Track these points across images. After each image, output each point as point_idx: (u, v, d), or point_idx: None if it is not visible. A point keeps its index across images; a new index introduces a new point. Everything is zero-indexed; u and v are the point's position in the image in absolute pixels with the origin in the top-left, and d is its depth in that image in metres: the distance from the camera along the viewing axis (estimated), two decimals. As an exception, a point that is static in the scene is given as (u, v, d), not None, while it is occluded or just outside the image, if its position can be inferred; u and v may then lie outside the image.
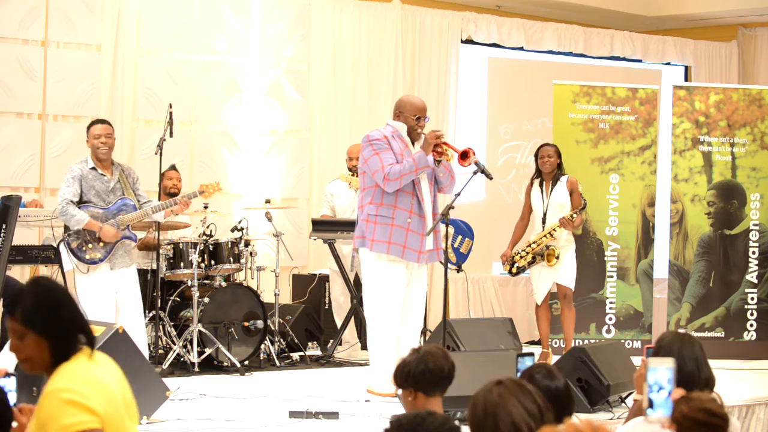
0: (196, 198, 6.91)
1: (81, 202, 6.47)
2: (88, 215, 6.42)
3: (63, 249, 7.32)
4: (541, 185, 8.03)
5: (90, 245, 6.44)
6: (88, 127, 6.59)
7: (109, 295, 6.44)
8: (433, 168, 6.43)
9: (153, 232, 7.32)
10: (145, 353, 6.48)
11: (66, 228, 6.53)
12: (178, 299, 7.69)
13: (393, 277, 6.36)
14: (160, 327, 7.47)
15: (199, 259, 7.49)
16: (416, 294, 6.52)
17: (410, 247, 6.32)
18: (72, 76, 8.59)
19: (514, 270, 8.08)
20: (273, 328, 7.89)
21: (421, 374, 3.47)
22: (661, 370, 2.78)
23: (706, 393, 2.78)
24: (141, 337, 6.52)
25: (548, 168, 7.96)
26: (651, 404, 2.77)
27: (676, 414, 2.68)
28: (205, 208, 7.68)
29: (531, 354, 3.69)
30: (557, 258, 7.86)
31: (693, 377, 3.53)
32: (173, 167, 8.25)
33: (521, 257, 8.00)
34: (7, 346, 5.73)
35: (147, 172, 8.13)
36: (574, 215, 7.83)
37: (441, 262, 6.69)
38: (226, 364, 7.39)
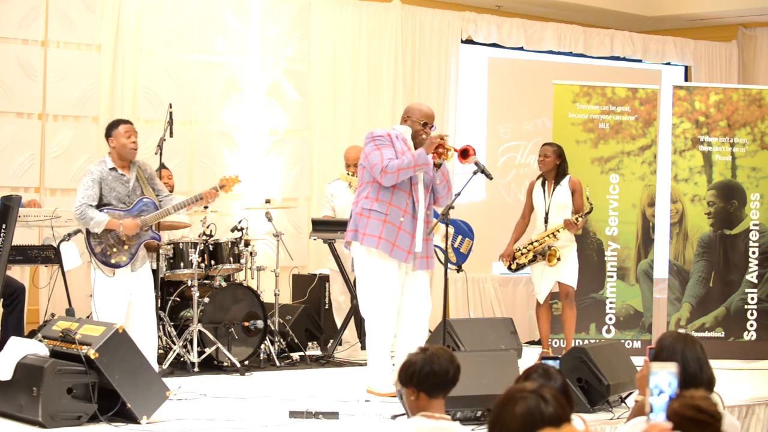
0: (217, 192, 6.71)
1: (101, 205, 6.35)
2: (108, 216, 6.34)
3: (63, 248, 7.34)
4: (543, 185, 8.04)
5: (114, 249, 6.33)
6: (113, 127, 6.44)
7: (124, 297, 6.38)
8: (431, 175, 6.42)
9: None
10: (154, 353, 6.47)
11: (88, 232, 6.39)
12: (178, 299, 7.69)
13: (386, 274, 6.34)
14: (160, 327, 7.47)
15: (199, 259, 7.49)
16: (418, 300, 6.48)
17: (399, 246, 6.31)
18: (72, 76, 8.59)
19: (513, 266, 8.10)
20: (273, 328, 7.89)
21: (425, 376, 3.46)
22: (662, 375, 2.77)
23: (700, 391, 2.77)
24: (152, 337, 6.48)
25: (544, 167, 7.98)
26: (652, 409, 2.76)
27: (668, 411, 2.68)
28: (205, 208, 7.67)
29: (557, 358, 3.66)
30: (558, 259, 7.86)
31: (696, 377, 3.53)
32: (161, 166, 8.17)
33: (522, 254, 8.01)
34: (6, 346, 5.74)
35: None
36: (580, 218, 7.83)
37: (441, 262, 6.68)
38: (226, 364, 7.38)
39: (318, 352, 8.28)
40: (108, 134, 6.47)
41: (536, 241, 7.95)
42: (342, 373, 7.62)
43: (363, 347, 8.44)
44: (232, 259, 7.68)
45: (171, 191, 8.01)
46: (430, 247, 6.50)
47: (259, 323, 7.62)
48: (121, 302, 6.37)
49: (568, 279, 7.98)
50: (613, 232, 9.06)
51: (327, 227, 8.17)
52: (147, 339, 6.32)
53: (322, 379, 7.30)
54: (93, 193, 6.31)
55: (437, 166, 6.40)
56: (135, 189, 6.45)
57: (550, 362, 3.49)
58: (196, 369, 7.23)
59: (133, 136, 6.45)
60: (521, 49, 10.79)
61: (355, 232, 6.40)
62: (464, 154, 6.26)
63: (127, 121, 6.57)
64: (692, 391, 2.72)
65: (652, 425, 2.62)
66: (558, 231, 7.86)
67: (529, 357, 7.88)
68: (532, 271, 8.08)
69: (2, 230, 6.77)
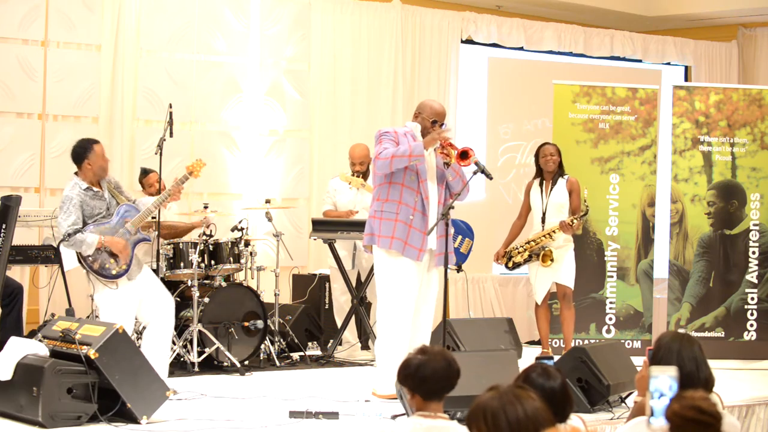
0: (187, 180, 6.73)
1: (84, 225, 6.33)
2: (98, 233, 6.30)
3: (63, 248, 7.34)
4: (541, 185, 8.04)
5: (112, 259, 6.33)
6: (89, 149, 6.35)
7: (131, 307, 6.37)
8: (442, 169, 6.41)
9: (153, 232, 7.32)
10: (167, 349, 6.58)
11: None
12: (178, 299, 7.68)
13: (405, 275, 6.29)
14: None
15: (199, 259, 7.49)
16: (428, 298, 6.47)
17: (411, 244, 6.28)
18: (72, 76, 8.59)
19: (510, 264, 8.11)
20: (273, 328, 7.89)
21: (420, 380, 3.46)
22: (662, 378, 2.77)
23: (700, 392, 2.77)
24: (169, 330, 6.59)
25: (552, 166, 7.98)
26: (653, 412, 2.76)
27: (668, 412, 2.68)
28: (205, 208, 7.68)
29: (551, 357, 3.67)
30: (552, 261, 7.87)
31: (692, 377, 3.53)
32: (146, 172, 8.16)
33: (518, 253, 8.02)
34: (6, 346, 5.74)
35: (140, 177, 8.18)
36: (575, 221, 7.83)
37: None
38: (226, 364, 7.39)
39: (318, 352, 8.28)
40: (83, 156, 6.35)
41: (532, 240, 7.96)
42: (342, 373, 7.62)
43: (363, 347, 8.45)
44: (232, 259, 7.68)
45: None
46: (443, 244, 6.42)
47: (259, 323, 7.62)
48: (129, 314, 6.35)
49: (565, 280, 7.98)
50: (613, 232, 9.06)
51: (327, 227, 8.16)
52: (168, 331, 6.49)
53: (322, 379, 7.30)
54: (77, 219, 6.28)
55: (447, 164, 6.38)
56: (111, 201, 6.44)
57: (545, 362, 3.49)
58: (196, 369, 7.23)
59: (105, 154, 6.47)
60: (521, 49, 10.79)
61: (371, 236, 6.39)
62: (464, 155, 6.24)
63: (98, 141, 6.53)
64: (692, 392, 2.72)
65: None
66: (554, 232, 7.86)
67: (529, 357, 7.88)
68: (530, 271, 8.09)
69: (2, 230, 6.78)
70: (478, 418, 2.72)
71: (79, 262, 6.39)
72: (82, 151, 6.38)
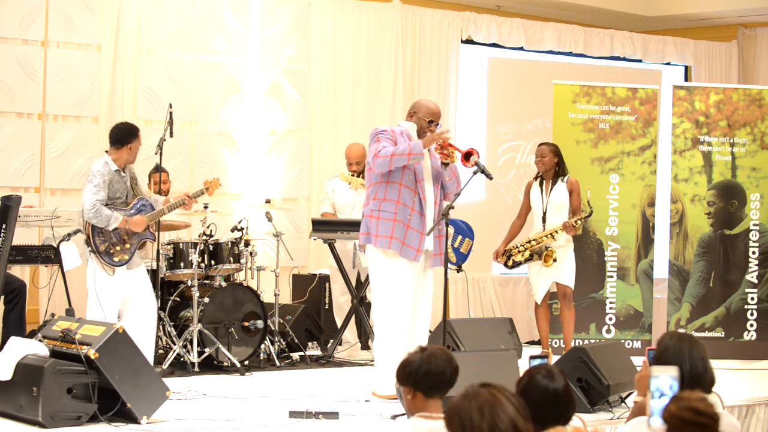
0: (202, 195, 7.09)
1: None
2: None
3: (63, 248, 7.35)
4: (541, 185, 8.04)
5: (117, 247, 6.62)
6: (134, 136, 6.69)
7: (120, 295, 6.67)
8: (439, 170, 6.39)
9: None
10: (152, 350, 6.70)
11: (93, 232, 6.58)
12: (178, 299, 7.69)
13: (401, 275, 6.26)
14: (160, 327, 7.47)
15: (199, 259, 7.49)
16: (424, 298, 6.46)
17: (408, 244, 6.26)
18: (72, 76, 8.59)
19: (509, 263, 8.11)
20: (273, 328, 7.89)
21: (422, 376, 3.46)
22: (663, 378, 2.76)
23: (696, 392, 2.77)
24: (151, 332, 6.76)
25: (542, 167, 7.99)
26: (653, 412, 2.76)
27: (665, 414, 2.68)
28: (205, 208, 7.68)
29: (545, 356, 3.66)
30: (555, 260, 7.86)
31: (700, 377, 3.54)
32: (158, 169, 8.19)
33: (519, 252, 8.02)
34: (6, 346, 5.74)
35: (147, 172, 8.16)
36: (579, 221, 7.83)
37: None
38: (226, 364, 7.39)
39: (318, 352, 8.28)
40: (128, 139, 6.68)
41: (534, 240, 7.96)
42: (342, 373, 7.62)
43: (363, 347, 8.45)
44: (232, 259, 7.68)
45: (167, 193, 8.03)
46: (440, 244, 6.43)
47: (259, 323, 7.61)
48: (116, 300, 6.65)
49: (565, 280, 7.98)
50: (613, 232, 9.06)
51: (327, 227, 8.16)
52: (146, 335, 6.57)
53: (322, 379, 7.30)
54: (104, 195, 6.58)
55: (445, 165, 6.36)
56: (129, 190, 6.75)
57: (537, 361, 3.49)
58: (196, 369, 7.23)
59: None
60: (521, 49, 10.79)
61: (368, 235, 6.34)
62: (467, 156, 6.24)
63: (139, 129, 6.83)
64: (688, 393, 2.72)
65: None
66: (556, 232, 7.87)
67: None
68: (530, 271, 8.09)
69: (2, 230, 6.79)
70: (446, 417, 2.77)
71: (87, 242, 6.61)
72: (129, 134, 6.71)
